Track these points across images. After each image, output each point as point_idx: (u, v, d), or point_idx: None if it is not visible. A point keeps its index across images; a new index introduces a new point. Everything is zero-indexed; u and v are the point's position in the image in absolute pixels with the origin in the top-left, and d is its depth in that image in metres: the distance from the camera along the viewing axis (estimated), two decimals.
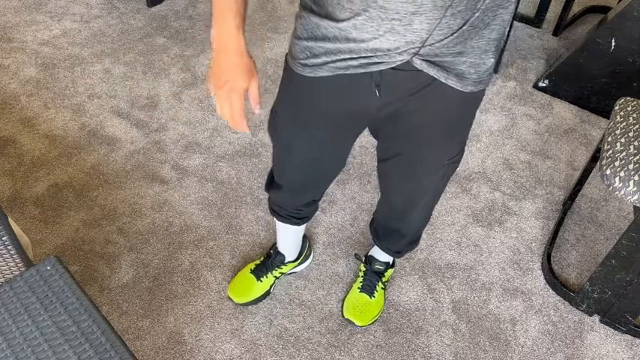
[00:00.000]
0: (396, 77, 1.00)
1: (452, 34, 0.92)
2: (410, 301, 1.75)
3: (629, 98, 1.69)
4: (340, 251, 1.87)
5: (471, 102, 1.11)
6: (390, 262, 1.72)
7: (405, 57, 0.95)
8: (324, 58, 1.01)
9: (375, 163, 1.34)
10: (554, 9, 2.87)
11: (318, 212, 1.93)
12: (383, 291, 1.72)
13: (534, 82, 2.52)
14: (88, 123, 2.21)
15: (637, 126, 1.58)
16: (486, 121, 2.34)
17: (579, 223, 2.00)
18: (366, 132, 1.28)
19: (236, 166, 2.09)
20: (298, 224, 1.55)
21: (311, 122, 1.17)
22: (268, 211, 1.58)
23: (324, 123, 1.17)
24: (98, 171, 2.04)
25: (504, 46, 2.53)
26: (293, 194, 1.43)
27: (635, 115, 1.61)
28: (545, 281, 1.83)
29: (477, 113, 2.34)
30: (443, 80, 1.00)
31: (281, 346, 1.63)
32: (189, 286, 1.74)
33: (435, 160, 1.20)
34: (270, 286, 1.72)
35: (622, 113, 1.63)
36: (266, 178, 1.47)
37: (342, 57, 0.98)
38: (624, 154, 1.50)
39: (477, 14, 0.90)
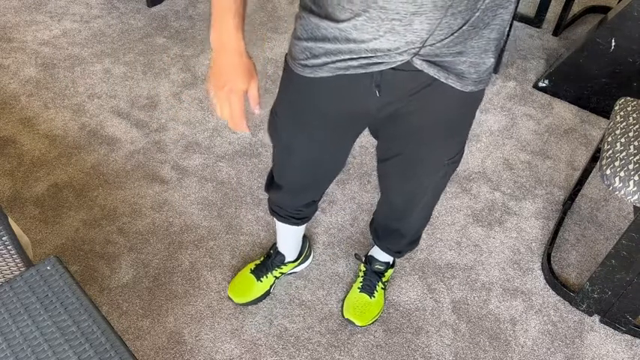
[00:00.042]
0: (396, 77, 1.00)
1: (452, 34, 0.92)
2: (410, 301, 1.75)
3: (629, 98, 1.69)
4: (340, 251, 1.87)
5: (471, 102, 1.11)
6: (390, 262, 1.72)
7: (406, 57, 0.95)
8: (324, 59, 1.00)
9: (375, 163, 1.34)
10: (554, 9, 2.87)
11: (318, 212, 1.93)
12: (383, 291, 1.72)
13: (534, 82, 2.52)
14: (88, 123, 2.21)
15: (637, 126, 1.58)
16: (486, 121, 2.34)
17: (579, 223, 2.00)
18: (366, 132, 1.28)
19: (236, 166, 2.09)
20: (298, 224, 1.55)
21: (311, 123, 1.17)
22: (268, 211, 1.58)
23: (324, 123, 1.17)
24: (98, 171, 2.04)
25: (504, 46, 2.53)
26: (293, 195, 1.43)
27: (635, 115, 1.61)
28: (545, 281, 1.83)
29: (477, 113, 2.34)
30: (443, 80, 1.00)
31: (281, 346, 1.63)
32: (189, 286, 1.74)
33: (435, 160, 1.20)
34: (270, 286, 1.72)
35: (622, 113, 1.63)
36: (266, 178, 1.47)
37: (342, 57, 0.98)
38: (624, 154, 1.50)
39: (477, 14, 0.90)
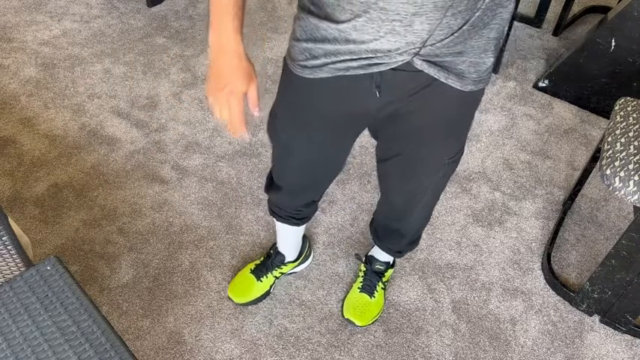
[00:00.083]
0: (396, 78, 1.00)
1: (452, 34, 0.92)
2: (410, 301, 1.75)
3: (629, 98, 1.69)
4: (340, 251, 1.87)
5: (470, 101, 1.11)
6: (391, 262, 1.72)
7: (406, 57, 0.95)
8: (324, 60, 1.00)
9: (375, 163, 1.34)
10: (554, 9, 2.87)
11: (318, 212, 1.93)
12: (383, 291, 1.72)
13: (534, 82, 2.52)
14: (88, 123, 2.21)
15: (637, 126, 1.58)
16: (486, 121, 2.34)
17: (579, 223, 2.00)
18: (366, 132, 1.28)
19: (236, 166, 2.09)
20: (298, 225, 1.55)
21: (310, 124, 1.17)
22: (268, 211, 1.58)
23: (324, 124, 1.16)
24: (98, 171, 2.04)
25: (504, 46, 2.53)
26: (292, 195, 1.43)
27: (635, 115, 1.61)
28: (545, 281, 1.83)
29: (477, 113, 2.34)
30: (443, 80, 1.00)
31: (281, 346, 1.63)
32: (189, 286, 1.74)
33: (435, 160, 1.20)
34: (270, 286, 1.72)
35: (622, 113, 1.63)
36: (265, 179, 1.47)
37: (342, 58, 0.98)
38: (624, 154, 1.50)
39: (477, 14, 0.90)
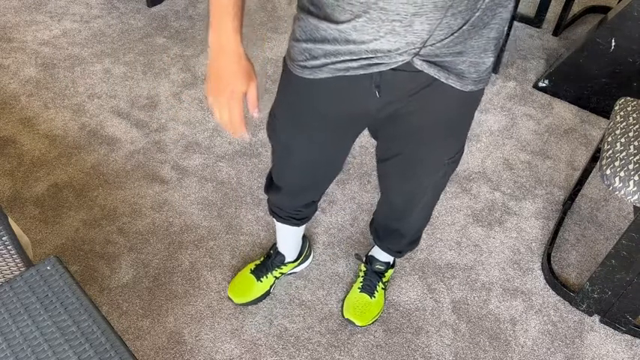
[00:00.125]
0: (396, 78, 1.00)
1: (452, 34, 0.92)
2: (410, 301, 1.75)
3: (629, 98, 1.69)
4: (340, 251, 1.87)
5: (470, 101, 1.11)
6: (391, 262, 1.72)
7: (406, 58, 0.95)
8: (324, 60, 1.00)
9: (375, 163, 1.34)
10: (554, 9, 2.87)
11: (318, 212, 1.93)
12: (383, 291, 1.72)
13: (534, 82, 2.52)
14: (88, 123, 2.21)
15: (637, 126, 1.58)
16: (486, 121, 2.34)
17: (579, 223, 2.00)
18: (366, 132, 1.28)
19: (236, 166, 2.09)
20: (298, 225, 1.55)
21: (310, 124, 1.17)
22: (268, 212, 1.58)
23: (324, 125, 1.16)
24: (98, 171, 2.04)
25: (504, 46, 2.53)
26: (292, 196, 1.43)
27: (635, 115, 1.61)
28: (545, 281, 1.83)
29: (477, 113, 2.34)
30: (443, 80, 1.00)
31: (281, 346, 1.63)
32: (189, 286, 1.75)
33: (434, 160, 1.20)
34: (270, 287, 1.72)
35: (622, 113, 1.63)
36: (265, 179, 1.47)
37: (342, 58, 0.98)
38: (624, 154, 1.50)
39: (477, 14, 0.90)
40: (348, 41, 0.95)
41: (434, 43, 0.92)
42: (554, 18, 2.85)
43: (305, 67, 1.04)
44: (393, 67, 0.97)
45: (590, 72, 2.31)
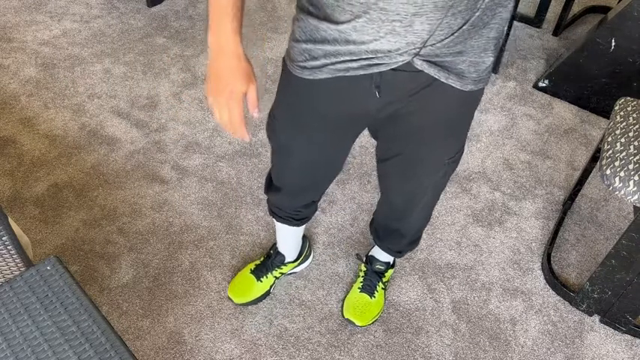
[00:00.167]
0: (396, 78, 1.00)
1: (452, 34, 0.92)
2: (410, 301, 1.75)
3: (629, 98, 1.69)
4: (340, 251, 1.87)
5: (470, 101, 1.11)
6: (391, 262, 1.72)
7: (406, 58, 0.95)
8: (324, 61, 1.00)
9: (375, 163, 1.34)
10: (554, 9, 2.87)
11: (318, 212, 1.93)
12: (383, 291, 1.72)
13: (534, 82, 2.52)
14: (88, 123, 2.21)
15: (637, 126, 1.58)
16: (486, 121, 2.34)
17: (579, 223, 2.00)
18: (366, 132, 1.28)
19: (236, 166, 2.09)
20: (298, 225, 1.55)
21: (310, 125, 1.17)
22: (267, 212, 1.58)
23: (324, 125, 1.16)
24: (98, 171, 2.04)
25: (504, 46, 2.53)
26: (292, 196, 1.43)
27: (635, 115, 1.61)
28: (545, 281, 1.83)
29: (477, 113, 2.34)
30: (443, 80, 1.00)
31: (281, 346, 1.63)
32: (189, 286, 1.75)
33: (435, 160, 1.20)
34: (270, 287, 1.72)
35: (622, 113, 1.63)
36: (264, 180, 1.47)
37: (342, 59, 0.98)
38: (624, 154, 1.50)
39: (477, 14, 0.90)
40: (348, 41, 0.95)
41: (434, 43, 0.92)
42: (554, 18, 2.85)
43: (305, 67, 1.04)
44: (393, 67, 0.97)
45: (590, 72, 2.31)
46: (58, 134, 2.16)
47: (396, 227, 1.48)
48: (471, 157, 2.19)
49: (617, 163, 1.48)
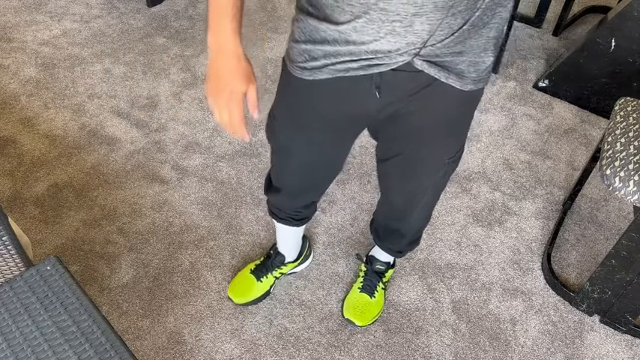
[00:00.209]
0: (396, 78, 1.00)
1: (452, 34, 0.92)
2: (410, 301, 1.75)
3: (629, 98, 1.69)
4: (340, 251, 1.87)
5: (470, 101, 1.11)
6: (391, 262, 1.72)
7: (406, 58, 0.95)
8: (324, 61, 1.00)
9: (375, 163, 1.34)
10: (554, 9, 2.87)
11: (318, 212, 1.93)
12: (383, 291, 1.72)
13: (534, 82, 2.52)
14: (88, 123, 2.21)
15: (637, 126, 1.58)
16: (486, 121, 2.34)
17: (579, 223, 2.00)
18: (366, 132, 1.28)
19: (236, 166, 2.09)
20: (297, 225, 1.55)
21: (310, 125, 1.17)
22: (267, 212, 1.58)
23: (324, 126, 1.16)
24: (98, 171, 2.04)
25: (504, 46, 2.53)
26: (292, 197, 1.43)
27: (635, 115, 1.61)
28: (545, 281, 1.83)
29: (477, 113, 2.34)
30: (443, 80, 1.00)
31: (281, 346, 1.63)
32: (189, 286, 1.75)
33: (435, 160, 1.20)
34: (270, 287, 1.72)
35: (622, 113, 1.63)
36: (264, 181, 1.46)
37: (342, 59, 0.98)
38: (624, 154, 1.50)
39: (477, 13, 0.90)
40: (348, 42, 0.94)
41: (434, 44, 0.92)
42: (554, 18, 2.85)
43: (305, 68, 1.04)
44: (393, 67, 0.97)
45: (590, 72, 2.31)
46: (58, 134, 2.16)
47: (396, 227, 1.48)
48: (471, 157, 2.19)
49: (617, 163, 1.48)
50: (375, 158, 1.31)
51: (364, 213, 1.97)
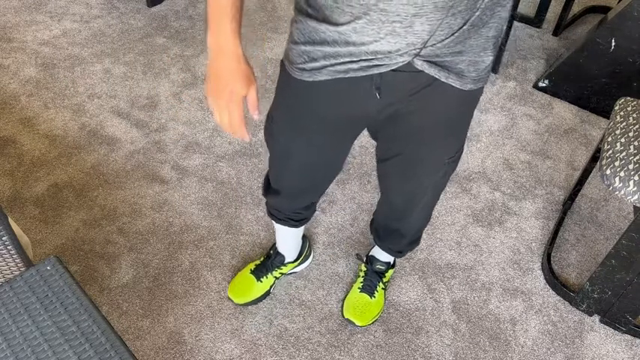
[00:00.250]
0: (396, 79, 0.99)
1: (452, 34, 0.92)
2: (410, 301, 1.75)
3: (629, 98, 1.69)
4: (340, 251, 1.87)
5: (470, 100, 1.11)
6: (391, 262, 1.72)
7: (406, 58, 0.94)
8: (323, 62, 1.00)
9: (375, 163, 1.34)
10: (554, 9, 2.87)
11: (318, 212, 1.93)
12: (383, 291, 1.72)
13: (534, 82, 2.52)
14: (88, 123, 2.21)
15: (637, 126, 1.58)
16: (486, 121, 2.34)
17: (579, 223, 2.00)
18: (366, 132, 1.28)
19: (236, 166, 2.09)
20: (297, 226, 1.55)
21: (309, 127, 1.17)
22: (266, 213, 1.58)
23: (323, 127, 1.16)
24: (98, 171, 2.04)
25: (504, 46, 2.53)
26: (291, 198, 1.42)
27: (635, 115, 1.61)
28: (545, 281, 1.83)
29: (477, 113, 2.34)
30: (443, 80, 0.99)
31: (281, 346, 1.63)
32: (189, 286, 1.75)
33: (435, 160, 1.20)
34: (270, 287, 1.72)
35: (622, 113, 1.63)
36: (263, 182, 1.46)
37: (342, 60, 0.98)
38: (624, 154, 1.50)
39: (476, 13, 0.90)
40: (347, 43, 0.94)
41: (434, 44, 0.92)
42: (554, 18, 2.85)
43: (304, 69, 1.03)
44: (393, 68, 0.96)
45: (590, 72, 2.31)
46: (58, 134, 2.16)
47: (396, 227, 1.48)
48: (471, 157, 2.19)
49: (617, 163, 1.48)
50: (375, 158, 1.31)
51: (364, 213, 1.97)
